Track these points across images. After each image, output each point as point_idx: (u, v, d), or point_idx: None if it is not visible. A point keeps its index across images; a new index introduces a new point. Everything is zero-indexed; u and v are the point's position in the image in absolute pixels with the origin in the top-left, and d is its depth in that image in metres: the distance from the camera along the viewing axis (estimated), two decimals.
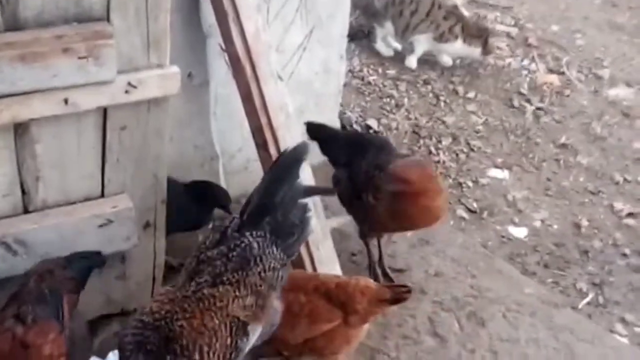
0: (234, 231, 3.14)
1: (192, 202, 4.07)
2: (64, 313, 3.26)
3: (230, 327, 3.05)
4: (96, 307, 3.84)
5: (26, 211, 3.40)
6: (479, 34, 6.54)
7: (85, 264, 3.41)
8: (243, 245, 3.10)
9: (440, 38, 6.53)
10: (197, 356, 2.95)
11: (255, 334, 3.14)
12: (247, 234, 3.12)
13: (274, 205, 3.18)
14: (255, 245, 3.11)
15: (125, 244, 3.61)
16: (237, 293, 3.07)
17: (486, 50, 6.57)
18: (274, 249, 3.16)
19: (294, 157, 3.28)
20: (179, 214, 3.89)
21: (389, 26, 6.60)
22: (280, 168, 3.27)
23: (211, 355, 2.99)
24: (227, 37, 3.78)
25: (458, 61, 6.79)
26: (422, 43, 6.56)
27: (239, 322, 3.07)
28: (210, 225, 3.23)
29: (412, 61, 6.62)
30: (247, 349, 3.14)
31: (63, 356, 3.22)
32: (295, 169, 3.26)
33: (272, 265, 3.14)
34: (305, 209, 3.30)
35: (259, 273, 3.11)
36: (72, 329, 3.32)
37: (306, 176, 3.81)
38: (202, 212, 4.14)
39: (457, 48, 6.59)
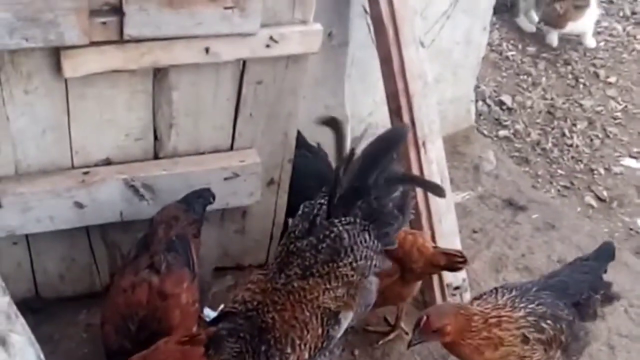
0: (323, 219, 3.00)
1: None
2: (193, 259, 3.29)
3: (321, 318, 2.98)
4: (212, 259, 3.87)
5: (156, 157, 3.44)
6: None
7: (202, 203, 3.43)
8: (332, 235, 2.97)
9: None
10: (289, 349, 2.91)
11: (347, 320, 3.06)
12: (337, 222, 2.98)
13: (366, 189, 3.02)
14: (345, 235, 2.97)
15: (248, 199, 3.62)
16: (328, 285, 2.99)
17: None
18: (367, 236, 3.01)
19: (391, 139, 3.13)
20: None
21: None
22: (375, 149, 3.07)
23: (303, 346, 2.94)
24: None
25: (602, 43, 6.56)
26: None
27: (330, 312, 3.00)
28: (299, 211, 3.07)
29: (552, 38, 6.41)
30: (339, 335, 3.07)
31: (197, 302, 3.27)
32: (391, 151, 3.08)
33: (364, 254, 3.01)
34: (405, 195, 3.13)
35: (350, 264, 2.99)
36: (199, 275, 3.36)
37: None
38: None
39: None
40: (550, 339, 3.25)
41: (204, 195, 3.43)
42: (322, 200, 3.06)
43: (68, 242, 3.55)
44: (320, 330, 2.98)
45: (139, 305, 3.13)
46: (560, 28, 6.18)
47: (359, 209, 3.02)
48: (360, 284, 3.07)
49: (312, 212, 3.05)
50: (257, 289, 3.03)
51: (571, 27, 6.29)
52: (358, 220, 3.01)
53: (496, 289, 3.39)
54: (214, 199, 3.45)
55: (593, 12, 6.34)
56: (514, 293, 3.30)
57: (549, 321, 3.24)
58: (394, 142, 3.13)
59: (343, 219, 3.00)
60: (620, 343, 3.98)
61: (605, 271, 3.50)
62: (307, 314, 2.97)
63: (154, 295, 3.15)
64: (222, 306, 3.45)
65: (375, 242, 3.04)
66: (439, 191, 3.37)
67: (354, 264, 3.01)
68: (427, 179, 3.78)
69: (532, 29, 6.52)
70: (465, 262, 3.44)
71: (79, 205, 3.31)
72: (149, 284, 3.16)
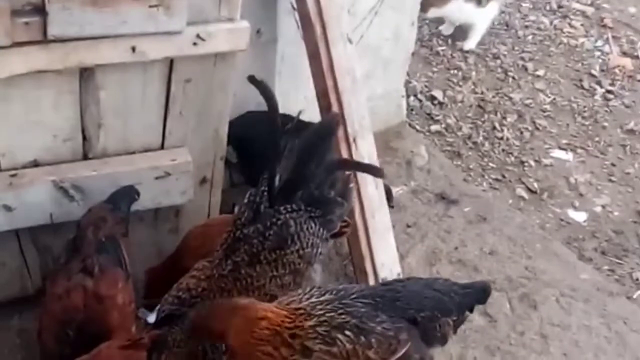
0: (266, 207, 3.02)
1: None
2: (125, 259, 3.27)
3: None
4: (148, 259, 3.83)
5: (86, 157, 3.40)
6: None
7: (127, 201, 3.41)
8: (279, 223, 2.99)
9: None
10: None
11: None
12: (283, 209, 3.01)
13: (305, 179, 3.05)
14: (291, 222, 2.99)
15: (181, 198, 3.60)
16: (275, 272, 3.01)
17: None
18: (312, 224, 3.04)
19: (325, 129, 3.18)
20: None
21: None
22: (310, 139, 3.11)
23: None
24: None
25: (530, 37, 6.65)
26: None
27: (276, 299, 2.98)
28: (245, 199, 3.08)
29: (447, 27, 6.47)
30: None
31: (133, 302, 3.25)
32: (326, 141, 3.12)
33: (310, 242, 3.03)
34: (345, 181, 3.19)
35: (297, 251, 3.02)
36: (132, 274, 3.34)
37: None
38: None
39: None
40: (346, 352, 2.74)
41: (129, 193, 3.41)
42: (262, 188, 3.07)
43: None
44: None
45: (75, 310, 3.10)
46: (424, 12, 6.04)
47: (301, 199, 3.04)
48: (306, 272, 3.09)
49: (256, 200, 3.07)
50: (203, 275, 3.03)
51: (433, 13, 6.22)
52: (303, 208, 3.03)
53: (312, 289, 2.92)
54: (138, 195, 3.43)
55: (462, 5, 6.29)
56: (326, 297, 2.84)
57: (347, 332, 2.75)
58: (328, 131, 3.18)
59: (289, 206, 3.02)
60: (552, 332, 4.04)
61: (471, 310, 3.10)
62: None
63: (89, 299, 3.12)
64: (158, 306, 3.41)
65: (321, 229, 3.07)
66: (376, 172, 3.54)
67: (301, 252, 3.03)
68: (363, 162, 3.81)
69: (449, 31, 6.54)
70: (348, 226, 3.28)
71: (7, 208, 3.26)
72: (83, 288, 3.13)
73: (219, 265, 3.03)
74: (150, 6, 3.01)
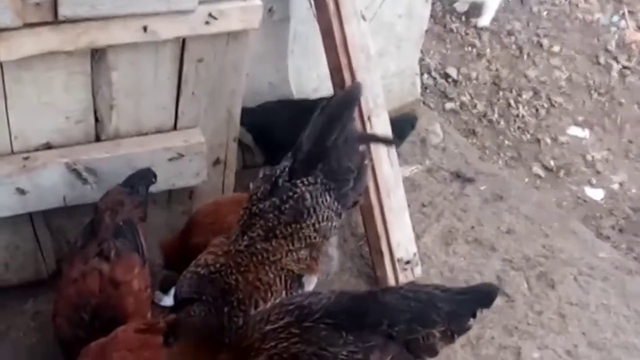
0: (285, 180, 3.01)
1: None
2: (142, 244, 3.25)
3: (284, 280, 3.00)
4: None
5: (98, 139, 3.39)
6: None
7: (144, 184, 3.39)
8: (295, 196, 2.98)
9: None
10: (252, 310, 2.90)
11: (310, 285, 3.08)
12: (299, 183, 2.99)
13: (326, 151, 3.03)
14: (307, 196, 2.98)
15: (194, 180, 3.58)
16: (291, 246, 3.00)
17: None
18: (328, 197, 3.02)
19: (347, 100, 3.14)
20: None
21: None
22: (332, 111, 3.08)
23: None
24: None
25: (545, 13, 6.57)
26: None
27: (293, 274, 3.02)
28: (260, 174, 3.08)
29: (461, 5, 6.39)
30: None
31: (149, 287, 3.25)
32: (348, 112, 3.09)
33: (325, 215, 3.02)
34: (362, 156, 3.16)
35: (313, 225, 3.00)
36: (149, 259, 3.33)
37: None
38: None
39: None
40: None
41: (146, 176, 3.39)
42: (285, 163, 3.06)
43: (11, 230, 3.47)
44: (284, 293, 2.99)
45: (90, 294, 3.10)
46: None
47: (321, 171, 3.02)
48: (322, 248, 3.08)
49: (274, 174, 3.05)
50: (220, 251, 3.02)
51: None
52: (319, 181, 3.01)
53: (270, 310, 2.73)
54: (155, 178, 3.41)
55: None
56: (282, 322, 2.64)
57: None
58: (350, 102, 3.14)
59: (305, 179, 3.00)
60: (571, 311, 4.00)
61: (474, 316, 2.82)
62: (271, 275, 2.98)
63: (105, 283, 3.12)
64: (172, 289, 3.39)
65: (336, 203, 3.05)
66: (390, 141, 3.69)
67: (317, 225, 3.02)
68: (379, 134, 3.81)
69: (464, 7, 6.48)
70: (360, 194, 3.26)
71: (21, 191, 3.25)
72: (99, 272, 3.12)
73: (236, 241, 3.02)
74: None
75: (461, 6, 6.36)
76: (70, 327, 3.07)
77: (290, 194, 2.98)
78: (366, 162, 3.19)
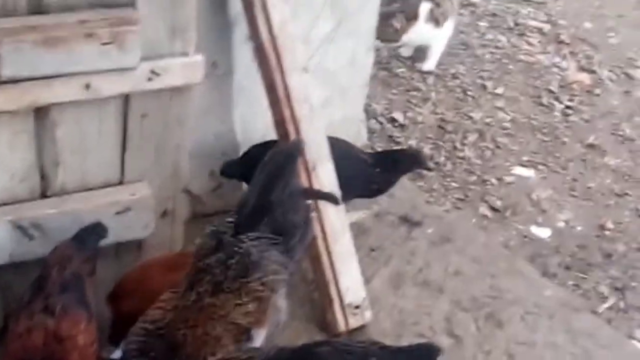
0: (230, 236, 3.07)
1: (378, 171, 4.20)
2: (89, 299, 3.25)
3: (233, 334, 3.02)
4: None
5: (44, 196, 3.39)
6: None
7: (95, 239, 3.38)
8: (241, 251, 3.03)
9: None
10: None
11: (260, 337, 3.10)
12: (244, 238, 3.05)
13: (271, 205, 3.10)
14: (253, 250, 3.03)
15: (142, 232, 3.60)
16: (238, 300, 3.03)
17: None
18: (274, 251, 3.08)
19: (288, 154, 3.22)
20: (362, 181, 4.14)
21: None
22: (275, 165, 3.16)
23: None
24: (253, 27, 3.73)
25: (488, 55, 6.71)
26: None
27: (242, 328, 3.04)
28: (207, 230, 3.14)
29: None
30: None
31: (95, 343, 3.21)
32: (290, 166, 3.18)
33: (272, 269, 3.07)
34: (307, 209, 3.26)
35: (260, 279, 3.04)
36: (98, 313, 3.32)
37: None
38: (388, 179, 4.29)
39: None
40: None
41: (96, 231, 3.39)
42: (230, 219, 3.12)
43: None
44: (232, 346, 3.01)
45: (35, 349, 3.06)
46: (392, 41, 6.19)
47: (266, 225, 3.09)
48: (270, 300, 3.11)
49: (219, 230, 3.11)
50: (168, 306, 3.05)
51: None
52: (265, 235, 3.07)
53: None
54: (106, 232, 3.41)
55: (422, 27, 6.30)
56: None
57: None
58: (291, 157, 3.22)
59: (250, 234, 3.06)
60: (518, 350, 4.04)
61: None
62: (219, 329, 3.00)
63: (50, 339, 3.08)
64: (122, 344, 3.40)
65: (283, 256, 3.11)
66: (334, 200, 3.66)
67: (264, 279, 3.05)
68: (324, 191, 3.85)
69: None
70: None
71: None
72: (44, 327, 3.09)
73: (184, 296, 3.05)
74: (103, 43, 3.03)
75: (406, 51, 6.48)
76: None
77: (236, 249, 3.03)
78: (312, 215, 3.26)
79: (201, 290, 3.03)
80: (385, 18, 5.84)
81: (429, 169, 4.42)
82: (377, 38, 5.77)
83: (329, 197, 3.72)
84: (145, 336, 3.00)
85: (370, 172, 4.19)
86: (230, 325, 3.02)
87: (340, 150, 4.03)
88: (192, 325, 2.99)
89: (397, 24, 6.09)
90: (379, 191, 4.34)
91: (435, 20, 6.24)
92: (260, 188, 3.12)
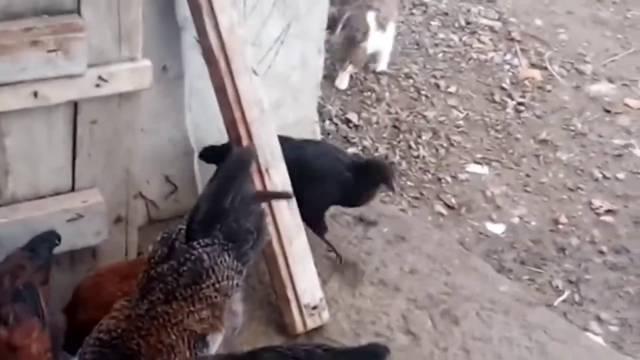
0: (182, 242, 3.08)
1: (355, 179, 4.19)
2: (42, 307, 3.23)
3: (188, 341, 3.02)
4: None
5: None
6: None
7: (47, 247, 3.37)
8: (193, 258, 3.03)
9: None
10: None
11: (216, 342, 3.11)
12: (196, 244, 3.05)
13: (223, 212, 3.11)
14: (205, 257, 3.03)
15: (96, 239, 3.59)
16: (192, 307, 3.02)
17: None
18: (226, 257, 3.08)
19: (241, 160, 3.24)
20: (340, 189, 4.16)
21: None
22: (227, 172, 3.18)
23: None
24: (201, 31, 3.73)
25: (440, 54, 6.76)
26: None
27: (196, 334, 3.04)
28: (158, 237, 3.14)
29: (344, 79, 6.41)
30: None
31: (49, 351, 3.20)
32: (242, 172, 3.19)
33: (225, 274, 3.07)
34: (261, 214, 3.26)
35: (213, 285, 3.04)
36: (51, 322, 3.29)
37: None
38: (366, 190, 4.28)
39: None
40: None
41: (49, 239, 3.38)
42: (181, 225, 3.12)
43: None
44: (188, 354, 3.01)
45: None
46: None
47: (219, 231, 3.09)
48: (225, 305, 3.11)
49: (170, 237, 3.10)
50: (121, 316, 3.03)
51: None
52: (217, 242, 3.07)
53: None
54: (59, 240, 3.40)
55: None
56: None
57: None
58: (244, 164, 3.24)
59: (202, 241, 3.06)
60: (475, 346, 4.08)
61: None
62: (173, 337, 3.00)
63: (3, 348, 3.07)
64: (80, 350, 3.39)
65: (236, 262, 3.11)
66: (286, 195, 3.75)
67: (217, 285, 3.06)
68: (275, 190, 3.87)
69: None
70: None
71: None
72: None
73: (136, 305, 3.04)
74: (49, 51, 3.02)
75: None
76: None
77: (188, 255, 3.03)
78: (265, 219, 3.27)
79: (153, 299, 3.02)
80: (350, 43, 6.04)
81: (393, 191, 4.36)
82: (351, 65, 5.91)
83: (282, 195, 3.77)
84: (99, 347, 2.99)
85: (347, 178, 4.20)
86: (184, 332, 3.02)
87: (322, 153, 4.13)
88: (145, 335, 2.98)
89: (360, 36, 6.10)
90: (354, 200, 4.36)
91: (382, 25, 6.29)
92: (213, 194, 3.13)
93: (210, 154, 4.19)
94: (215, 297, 3.06)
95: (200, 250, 3.04)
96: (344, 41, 6.01)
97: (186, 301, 3.02)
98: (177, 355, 2.98)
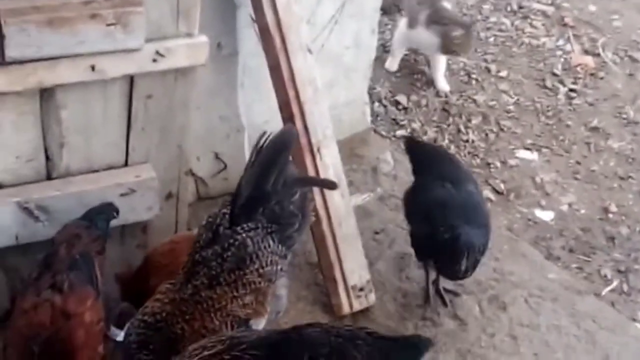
0: (225, 228, 3.06)
1: None
2: (97, 277, 3.26)
3: (231, 326, 3.03)
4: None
5: (49, 177, 3.40)
6: None
7: (104, 219, 3.40)
8: (237, 243, 3.02)
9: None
10: None
11: (259, 327, 3.11)
12: (240, 229, 3.04)
13: (266, 195, 3.09)
14: (249, 242, 3.03)
15: (147, 214, 3.60)
16: (235, 293, 3.03)
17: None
18: (270, 242, 3.07)
19: (281, 142, 3.18)
20: None
21: None
22: (267, 155, 3.13)
23: None
24: (258, 8, 3.72)
25: (492, 38, 6.69)
26: None
27: (240, 320, 3.04)
28: (203, 222, 3.14)
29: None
30: None
31: (101, 321, 3.23)
32: (283, 154, 3.15)
33: (269, 260, 3.06)
34: (305, 197, 3.23)
35: (257, 270, 3.04)
36: (105, 292, 3.34)
37: None
38: None
39: None
40: None
41: (107, 211, 3.41)
42: (225, 210, 3.10)
43: None
44: None
45: (41, 326, 3.08)
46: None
47: (262, 215, 3.07)
48: (268, 290, 3.10)
49: (215, 221, 3.10)
50: (166, 299, 3.05)
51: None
52: (261, 226, 3.05)
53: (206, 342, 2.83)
54: (117, 213, 3.43)
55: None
56: (215, 349, 2.77)
57: None
58: (286, 145, 3.19)
59: (245, 225, 3.04)
60: (522, 333, 4.07)
61: None
62: (217, 322, 3.01)
63: (56, 315, 3.10)
64: (127, 324, 3.41)
65: (280, 246, 3.10)
66: (331, 185, 3.57)
67: (261, 271, 3.05)
68: (320, 177, 3.83)
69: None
70: None
71: None
72: (51, 304, 3.10)
73: (181, 289, 3.05)
74: (108, 24, 3.03)
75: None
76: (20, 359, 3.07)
77: (232, 241, 3.03)
78: (309, 201, 3.25)
79: (197, 284, 3.03)
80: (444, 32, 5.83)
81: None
82: (445, 53, 5.83)
83: (326, 183, 3.69)
84: (144, 329, 3.01)
85: None
86: (227, 317, 3.03)
87: None
88: (189, 319, 3.00)
89: (456, 33, 5.97)
90: None
91: None
92: (254, 178, 3.10)
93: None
94: (259, 282, 3.06)
95: (244, 235, 3.04)
96: (465, 32, 5.85)
97: (230, 287, 3.03)
98: None
